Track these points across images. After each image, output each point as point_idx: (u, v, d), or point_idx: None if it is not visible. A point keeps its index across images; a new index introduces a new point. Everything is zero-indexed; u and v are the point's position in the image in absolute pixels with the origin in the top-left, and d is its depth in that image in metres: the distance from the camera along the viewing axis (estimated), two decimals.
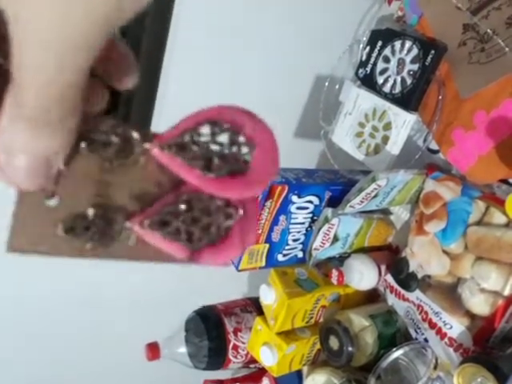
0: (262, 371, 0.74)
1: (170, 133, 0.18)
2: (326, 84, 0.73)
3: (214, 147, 0.18)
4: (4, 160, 0.16)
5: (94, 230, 0.18)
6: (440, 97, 0.57)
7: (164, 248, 0.19)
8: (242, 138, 0.18)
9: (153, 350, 0.66)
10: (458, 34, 0.56)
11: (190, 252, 0.19)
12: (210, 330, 0.70)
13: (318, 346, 0.66)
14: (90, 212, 0.18)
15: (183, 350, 0.68)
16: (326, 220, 0.61)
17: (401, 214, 0.67)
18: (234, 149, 0.18)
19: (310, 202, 0.63)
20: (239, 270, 0.67)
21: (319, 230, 0.62)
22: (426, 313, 0.56)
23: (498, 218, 0.51)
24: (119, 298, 0.87)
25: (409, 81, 0.58)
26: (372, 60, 0.63)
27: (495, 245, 0.50)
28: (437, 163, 0.61)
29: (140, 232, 0.19)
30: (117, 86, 0.20)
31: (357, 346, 0.59)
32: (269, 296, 0.64)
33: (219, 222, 0.19)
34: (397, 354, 0.56)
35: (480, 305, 0.51)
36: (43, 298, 0.81)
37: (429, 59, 0.56)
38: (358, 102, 0.65)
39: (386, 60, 0.62)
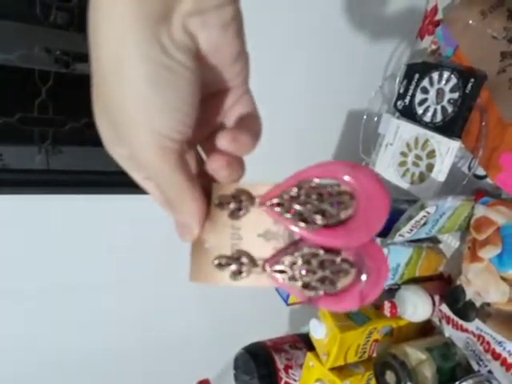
0: None
1: (273, 191, 0.22)
2: (364, 117, 0.75)
3: (312, 203, 0.21)
4: None
5: (234, 268, 0.23)
6: (483, 123, 0.58)
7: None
8: (340, 191, 0.21)
9: None
10: (497, 62, 0.57)
11: (306, 297, 0.22)
12: (260, 368, 0.68)
13: (372, 381, 0.64)
14: (231, 254, 0.23)
15: None
16: None
17: (450, 242, 0.66)
18: (330, 203, 0.21)
19: None
20: (288, 305, 0.67)
21: None
22: (488, 343, 0.54)
23: None
24: (170, 338, 0.87)
25: (450, 109, 0.59)
26: (410, 92, 0.65)
27: None
28: (484, 188, 0.60)
29: (265, 273, 0.23)
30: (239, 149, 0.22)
31: (415, 381, 0.57)
32: (319, 330, 0.63)
33: (334, 276, 0.22)
34: None
35: None
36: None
37: (469, 87, 0.57)
38: (399, 132, 0.66)
39: (425, 91, 0.63)
